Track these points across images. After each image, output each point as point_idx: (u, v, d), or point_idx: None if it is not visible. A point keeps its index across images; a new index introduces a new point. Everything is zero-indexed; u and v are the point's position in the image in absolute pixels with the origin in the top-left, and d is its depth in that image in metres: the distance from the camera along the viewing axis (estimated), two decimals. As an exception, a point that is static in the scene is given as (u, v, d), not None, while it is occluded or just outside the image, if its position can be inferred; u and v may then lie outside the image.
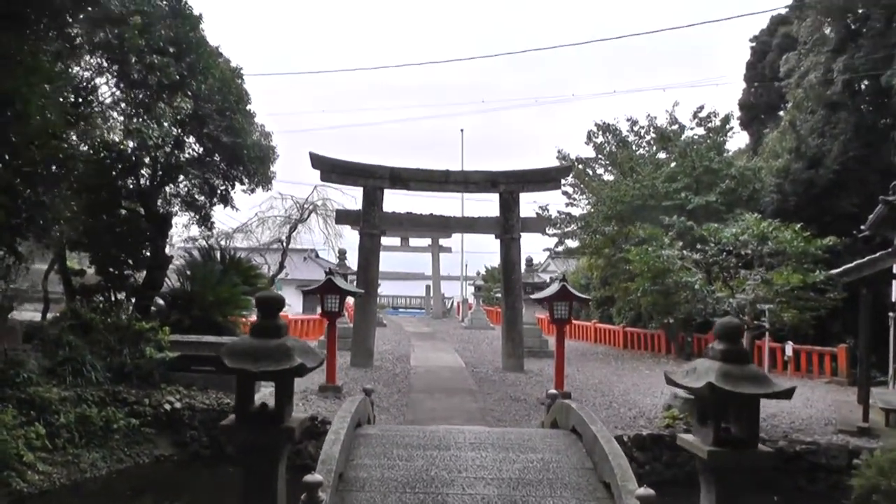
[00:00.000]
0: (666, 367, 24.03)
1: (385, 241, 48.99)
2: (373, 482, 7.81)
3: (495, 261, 25.45)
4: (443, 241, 50.19)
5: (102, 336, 16.15)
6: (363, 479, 7.85)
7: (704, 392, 5.40)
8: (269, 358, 5.29)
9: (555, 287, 16.83)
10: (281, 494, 5.61)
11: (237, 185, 21.01)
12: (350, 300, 24.10)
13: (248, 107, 20.75)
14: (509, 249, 22.02)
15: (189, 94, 17.76)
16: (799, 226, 16.69)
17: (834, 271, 14.63)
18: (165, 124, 17.10)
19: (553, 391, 12.54)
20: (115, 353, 15.92)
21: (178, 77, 17.24)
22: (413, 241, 50.41)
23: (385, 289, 63.64)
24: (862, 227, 18.44)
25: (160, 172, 19.66)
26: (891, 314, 16.67)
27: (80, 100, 17.65)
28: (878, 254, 13.78)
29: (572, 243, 30.13)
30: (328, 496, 6.81)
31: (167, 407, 15.24)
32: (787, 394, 5.53)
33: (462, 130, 57.00)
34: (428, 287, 54.62)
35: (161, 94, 17.44)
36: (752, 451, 5.68)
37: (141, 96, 17.71)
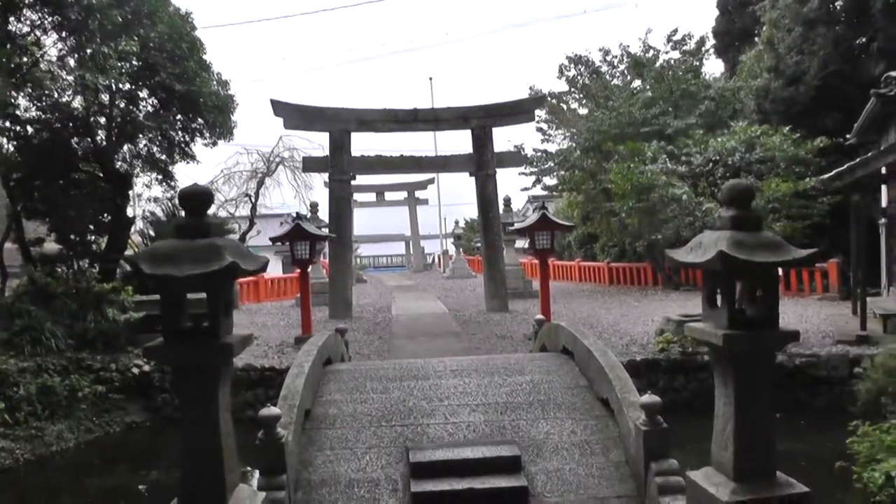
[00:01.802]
0: (654, 298, 23.70)
1: (360, 197, 48.91)
2: (344, 418, 7.01)
3: (474, 212, 24.68)
4: (419, 194, 49.48)
5: (62, 302, 15.20)
6: (333, 416, 7.05)
7: (715, 265, 4.58)
8: (196, 260, 4.41)
9: (535, 216, 15.96)
10: (226, 426, 4.75)
11: (197, 138, 20.08)
12: (325, 254, 23.32)
13: (204, 56, 19.72)
14: (485, 186, 21.15)
15: (135, 39, 16.66)
16: (787, 128, 15.89)
17: (825, 175, 13.88)
18: (114, 74, 16.02)
19: (540, 317, 11.75)
20: (78, 318, 15.00)
21: (120, 20, 16.11)
22: (389, 196, 49.72)
23: (365, 250, 63.35)
24: (848, 136, 17.73)
25: (115, 130, 18.65)
26: (881, 221, 16.02)
27: (25, 59, 16.63)
28: (870, 153, 13.01)
29: (550, 181, 29.23)
30: (292, 434, 5.98)
31: (135, 371, 14.40)
32: (811, 259, 4.72)
33: (431, 79, 55.87)
34: (408, 243, 53.93)
35: (104, 39, 16.32)
36: (775, 332, 4.87)
37: (82, 42, 16.56)
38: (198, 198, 4.75)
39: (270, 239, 16.81)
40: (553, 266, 34.92)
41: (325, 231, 22.35)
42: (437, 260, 52.78)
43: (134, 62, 17.41)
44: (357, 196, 48.54)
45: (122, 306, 15.51)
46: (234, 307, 21.08)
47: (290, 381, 6.83)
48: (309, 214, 26.87)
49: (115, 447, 12.88)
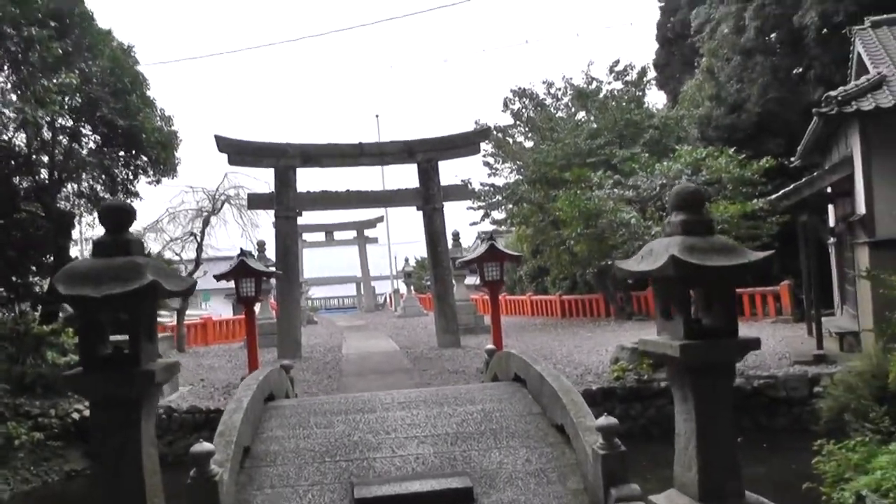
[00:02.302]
0: (607, 328, 23.58)
1: (309, 237, 48.37)
2: (286, 454, 6.60)
3: (424, 250, 24.44)
4: (368, 232, 49.16)
5: (-1, 345, 14.54)
6: (274, 453, 6.64)
7: (667, 271, 4.35)
8: (115, 279, 4.04)
9: (483, 247, 15.75)
10: (151, 463, 4.34)
11: (141, 175, 19.55)
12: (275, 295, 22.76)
13: (147, 92, 19.31)
14: (433, 220, 20.91)
15: (75, 72, 16.22)
16: (733, 150, 15.99)
17: (773, 196, 13.93)
18: (54, 108, 15.53)
19: (490, 346, 11.44)
20: (16, 362, 14.33)
21: (61, 52, 15.69)
22: (338, 235, 49.31)
23: (317, 292, 62.62)
24: (792, 158, 17.93)
25: (58, 168, 18.07)
26: (830, 241, 16.14)
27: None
28: (814, 173, 13.10)
29: (499, 216, 29.15)
30: (228, 473, 5.56)
31: (75, 416, 13.79)
32: (764, 262, 4.52)
33: (377, 116, 55.81)
34: (359, 284, 53.41)
35: (45, 73, 15.87)
36: (734, 340, 4.65)
37: (23, 75, 16.08)
38: (118, 213, 4.41)
39: (215, 276, 16.29)
40: (504, 301, 34.73)
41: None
42: (388, 299, 52.29)
43: (76, 98, 16.96)
44: (306, 236, 48.10)
45: (62, 349, 14.91)
46: (182, 350, 20.56)
47: (228, 416, 6.42)
48: (256, 253, 26.39)
49: (52, 498, 12.21)
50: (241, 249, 15.97)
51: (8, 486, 12.04)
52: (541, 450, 6.51)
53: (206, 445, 5.31)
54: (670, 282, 4.58)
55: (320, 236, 49.20)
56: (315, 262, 52.81)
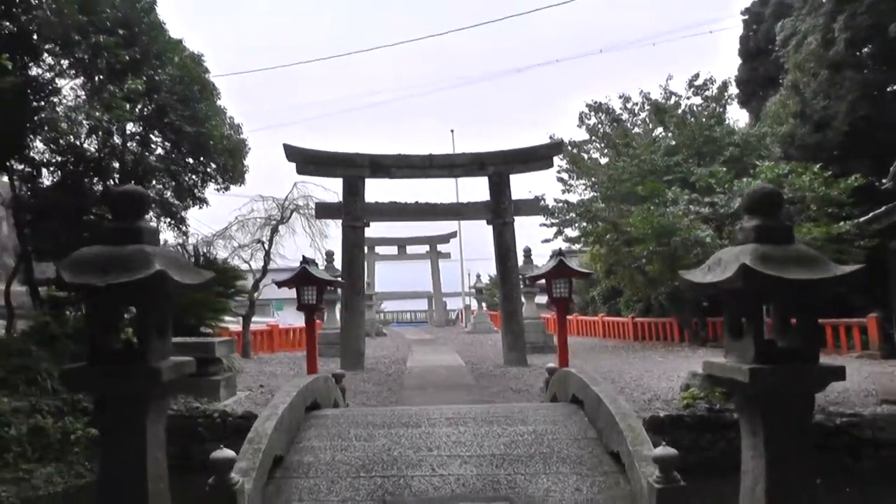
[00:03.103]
0: (680, 353, 22.65)
1: (382, 250, 48.44)
2: (320, 466, 6.21)
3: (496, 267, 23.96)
4: (441, 247, 49.04)
5: (63, 344, 14.64)
6: (308, 464, 6.25)
7: (737, 283, 3.79)
8: (122, 268, 3.71)
9: (551, 263, 15.21)
10: (157, 469, 3.99)
11: (210, 182, 19.70)
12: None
13: (218, 102, 19.48)
14: (503, 235, 20.46)
15: (143, 79, 16.37)
16: (818, 166, 15.04)
17: (862, 218, 13.00)
18: (119, 114, 15.66)
19: (552, 365, 10.87)
20: (77, 358, 14.33)
21: (128, 59, 15.84)
22: (410, 249, 49.35)
23: (389, 306, 62.85)
24: (883, 180, 16.86)
25: (128, 173, 18.28)
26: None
27: (43, 103, 16.49)
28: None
29: (573, 233, 28.41)
30: (252, 482, 5.19)
31: (132, 414, 13.62)
32: (853, 276, 3.90)
33: (452, 131, 55.31)
34: (430, 298, 53.26)
35: (112, 79, 16.09)
36: (813, 367, 4.04)
37: (95, 83, 16.35)
38: (130, 199, 4.09)
39: (276, 283, 16.20)
40: (576, 321, 34.02)
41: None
42: (460, 315, 52.01)
43: (147, 105, 17.15)
44: (378, 249, 48.25)
45: (123, 348, 14.86)
46: (247, 356, 20.53)
47: (260, 423, 6.08)
48: (324, 262, 26.33)
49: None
50: (304, 257, 15.81)
51: (62, 480, 12.00)
52: (593, 478, 5.96)
53: (226, 452, 4.97)
54: (740, 296, 4.01)
55: (393, 250, 49.33)
56: (387, 275, 52.93)
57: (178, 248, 20.72)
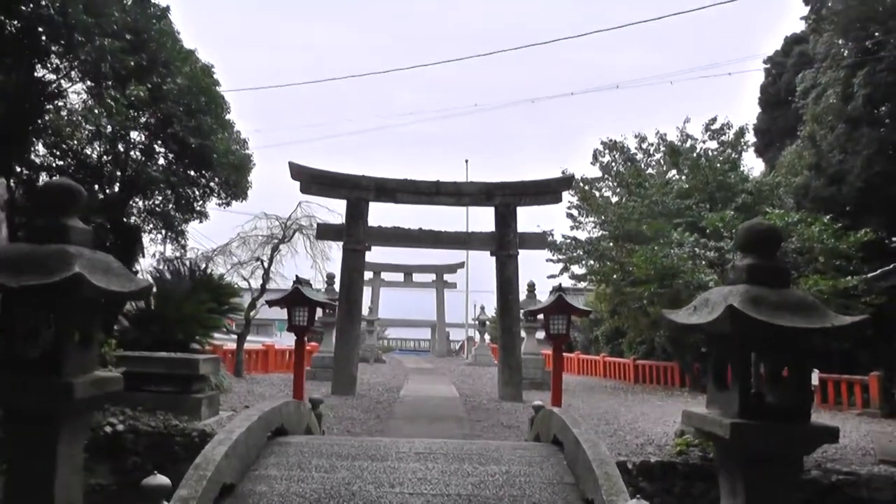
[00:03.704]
0: (680, 398, 22.12)
1: (388, 276, 48.14)
2: (272, 498, 5.77)
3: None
4: (448, 277, 48.72)
5: (39, 352, 14.20)
6: (260, 494, 5.81)
7: (723, 327, 3.38)
8: (39, 268, 3.34)
9: (551, 298, 14.81)
10: (67, 496, 3.57)
11: (213, 197, 19.47)
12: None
13: (228, 116, 19.27)
14: (506, 267, 20.11)
15: (149, 86, 16.14)
16: (828, 217, 14.60)
17: (870, 274, 12.56)
18: (119, 119, 15.43)
19: (538, 402, 10.42)
20: (54, 372, 13.93)
21: (133, 65, 15.63)
22: (417, 277, 49.10)
23: (393, 333, 62.45)
24: (894, 238, 16.42)
25: (129, 183, 18.05)
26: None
27: (48, 105, 16.32)
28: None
29: (579, 270, 28.00)
30: (193, 512, 4.76)
31: (108, 430, 13.15)
32: (852, 328, 3.47)
33: (467, 161, 54.84)
34: (433, 328, 52.84)
35: (117, 85, 15.89)
36: (804, 426, 3.59)
37: (98, 86, 16.15)
38: (57, 193, 3.71)
39: (267, 302, 15.89)
40: (578, 359, 33.54)
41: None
42: (462, 346, 51.58)
43: (153, 114, 16.92)
44: (384, 275, 47.98)
45: (102, 360, 14.45)
46: (239, 375, 20.14)
47: (210, 448, 5.65)
48: (325, 285, 25.99)
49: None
50: (297, 277, 15.49)
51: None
52: (564, 529, 5.51)
53: (159, 479, 4.56)
54: (727, 341, 3.60)
55: (399, 277, 49.07)
56: (392, 302, 52.60)
57: (175, 261, 20.44)
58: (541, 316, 16.00)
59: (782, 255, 13.74)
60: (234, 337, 23.07)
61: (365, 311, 40.60)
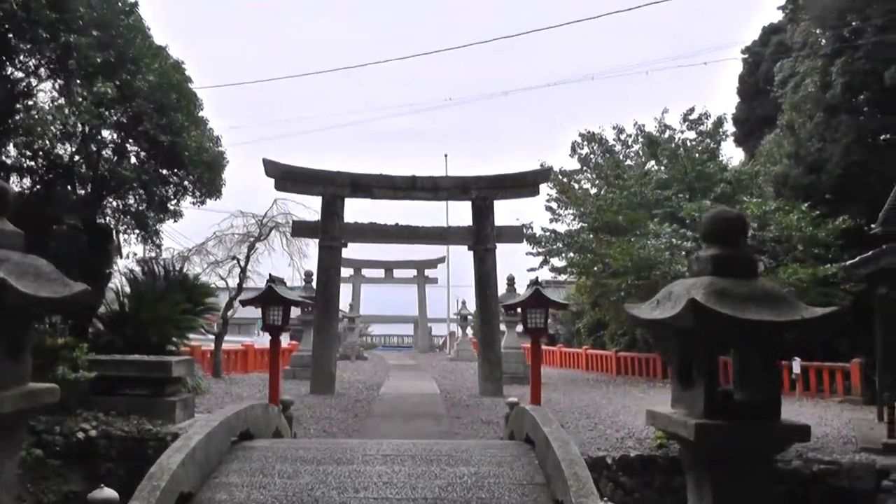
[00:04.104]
0: (662, 390, 22.02)
1: (369, 273, 47.84)
2: (231, 506, 5.54)
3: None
4: (428, 272, 48.56)
5: (11, 356, 13.87)
6: (221, 503, 5.57)
7: (685, 321, 3.18)
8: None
9: (528, 292, 14.64)
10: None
11: (187, 196, 19.12)
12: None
13: (201, 113, 18.91)
14: (484, 261, 19.92)
15: (117, 83, 15.77)
16: (807, 205, 14.49)
17: (849, 262, 12.45)
18: (86, 118, 15.06)
19: (512, 399, 10.24)
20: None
21: (99, 61, 15.26)
22: (397, 273, 48.84)
23: (376, 329, 62.19)
24: (872, 225, 16.33)
25: (99, 183, 17.68)
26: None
27: (19, 105, 15.92)
28: (897, 242, 11.64)
29: (559, 263, 27.88)
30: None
31: (80, 436, 12.85)
32: (824, 321, 3.29)
33: (446, 156, 54.40)
34: (416, 323, 52.64)
35: (85, 82, 15.52)
36: (773, 424, 3.40)
37: (68, 84, 15.78)
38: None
39: (241, 302, 15.65)
40: (560, 352, 33.48)
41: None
42: (445, 341, 51.42)
43: (123, 112, 16.55)
44: (364, 272, 47.71)
45: (74, 364, 14.16)
46: (217, 376, 19.90)
47: (166, 457, 5.44)
48: (303, 283, 25.71)
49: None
50: (270, 275, 15.24)
51: (-1, 503, 11.27)
52: (533, 531, 5.32)
53: (106, 492, 4.34)
54: (691, 336, 3.42)
55: (380, 273, 48.82)
56: (374, 298, 52.32)
57: (150, 261, 20.11)
58: (519, 310, 15.85)
59: (760, 245, 13.64)
60: (213, 338, 22.80)
61: (346, 308, 40.42)
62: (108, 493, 4.41)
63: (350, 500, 5.67)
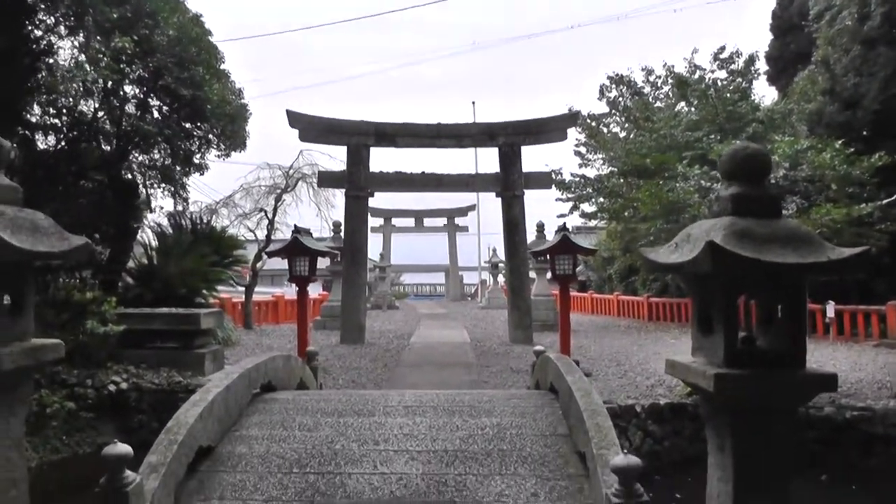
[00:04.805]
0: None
1: (399, 222, 47.75)
2: (251, 459, 5.53)
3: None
4: (459, 220, 48.33)
5: (40, 311, 14.00)
6: (239, 456, 5.57)
7: (702, 265, 2.99)
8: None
9: (555, 238, 14.42)
10: (7, 472, 3.30)
11: (212, 149, 19.09)
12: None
13: (222, 66, 18.76)
14: (511, 208, 19.69)
15: (135, 38, 15.65)
16: (840, 142, 14.01)
17: (886, 200, 12.05)
18: (105, 73, 14.98)
19: (539, 347, 10.11)
20: (56, 328, 13.77)
21: (115, 16, 15.14)
22: (427, 222, 48.74)
23: (408, 278, 62.35)
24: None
25: (124, 138, 17.68)
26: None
27: (40, 64, 15.87)
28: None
29: (589, 208, 27.53)
30: (160, 479, 4.53)
31: (112, 388, 13.06)
32: (852, 262, 3.08)
33: (474, 103, 53.11)
34: (447, 271, 52.62)
35: (102, 38, 15.43)
36: (797, 373, 3.22)
37: (87, 41, 15.70)
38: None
39: (266, 253, 15.61)
40: (591, 299, 33.28)
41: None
42: (477, 290, 51.45)
43: (144, 66, 16.45)
44: (395, 221, 47.67)
45: (102, 318, 14.30)
46: (248, 327, 20.05)
47: (184, 410, 5.40)
48: (332, 233, 25.69)
49: (81, 469, 11.57)
50: (296, 226, 15.17)
51: (37, 455, 11.47)
52: (554, 482, 5.22)
53: (119, 447, 4.31)
54: (710, 281, 3.24)
55: (410, 222, 48.74)
56: (405, 247, 52.33)
57: (177, 215, 20.19)
58: (548, 256, 15.65)
59: (792, 185, 13.25)
60: (243, 289, 22.93)
61: (376, 257, 40.48)
62: (122, 448, 4.37)
63: (370, 452, 5.61)
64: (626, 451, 4.32)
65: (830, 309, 18.34)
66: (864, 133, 19.91)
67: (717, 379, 3.08)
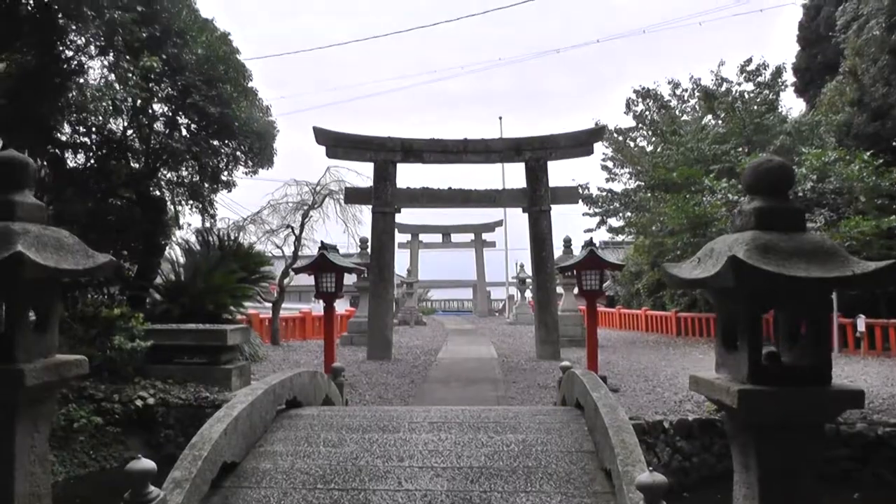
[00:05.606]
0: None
1: (426, 238, 47.83)
2: (276, 475, 5.52)
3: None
4: (486, 236, 48.37)
5: (69, 326, 14.20)
6: (263, 472, 5.57)
7: (725, 280, 2.96)
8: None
9: (582, 253, 14.37)
10: (30, 486, 3.33)
11: (240, 166, 19.31)
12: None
13: (250, 84, 18.99)
14: (538, 223, 19.66)
15: (164, 57, 15.89)
16: (869, 154, 13.83)
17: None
18: (134, 91, 15.18)
19: (566, 363, 10.05)
20: (84, 344, 13.95)
21: (145, 36, 15.37)
22: (455, 237, 48.73)
23: (436, 294, 62.37)
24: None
25: (152, 156, 17.93)
26: None
27: (70, 83, 16.16)
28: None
29: (616, 223, 27.43)
30: (185, 495, 4.55)
31: (139, 403, 13.21)
32: (879, 276, 3.02)
33: (501, 118, 53.08)
34: (474, 287, 52.60)
35: (130, 56, 15.67)
36: (823, 390, 3.16)
37: (117, 61, 15.96)
38: (1, 167, 3.40)
39: (293, 270, 15.69)
40: (619, 314, 33.09)
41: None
42: (505, 305, 51.34)
43: (172, 84, 16.69)
44: (422, 237, 47.78)
45: (130, 334, 14.47)
46: (276, 343, 20.17)
47: (209, 425, 5.41)
48: (359, 249, 25.79)
49: (108, 484, 11.67)
50: (322, 242, 15.23)
51: (64, 469, 11.61)
52: (579, 499, 5.16)
53: (143, 463, 4.32)
54: (732, 297, 3.20)
55: (437, 238, 48.82)
56: (432, 263, 52.41)
57: (205, 231, 20.40)
58: (575, 272, 15.59)
59: (820, 197, 13.09)
60: (270, 306, 23.07)
61: (404, 273, 40.54)
62: (147, 463, 4.39)
63: (394, 468, 5.59)
64: (651, 468, 4.27)
65: (861, 323, 18.09)
66: (894, 144, 19.67)
67: (740, 395, 3.03)
